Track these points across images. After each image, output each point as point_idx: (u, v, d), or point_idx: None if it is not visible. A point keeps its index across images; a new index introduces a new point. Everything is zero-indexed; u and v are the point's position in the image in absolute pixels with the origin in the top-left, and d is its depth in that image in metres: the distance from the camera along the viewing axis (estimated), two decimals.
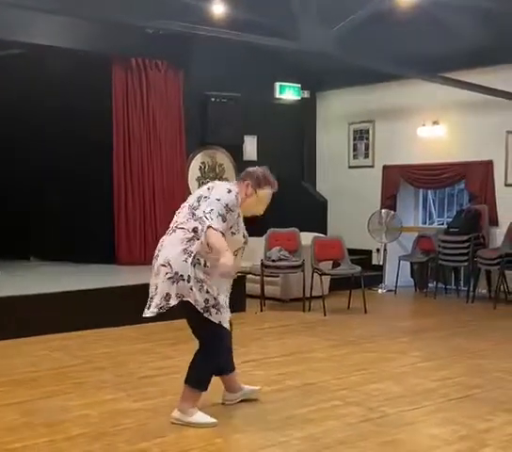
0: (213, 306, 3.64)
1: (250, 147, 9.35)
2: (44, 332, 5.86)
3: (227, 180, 9.20)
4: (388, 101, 9.26)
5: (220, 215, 3.55)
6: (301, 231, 7.98)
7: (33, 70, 8.29)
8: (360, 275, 7.48)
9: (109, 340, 5.89)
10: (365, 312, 7.29)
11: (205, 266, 3.62)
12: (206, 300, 3.61)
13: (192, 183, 8.95)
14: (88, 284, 6.65)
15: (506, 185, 8.31)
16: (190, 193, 8.79)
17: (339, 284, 8.06)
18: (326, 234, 9.01)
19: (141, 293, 6.52)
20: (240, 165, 9.26)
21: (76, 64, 7.90)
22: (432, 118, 8.83)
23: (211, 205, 3.59)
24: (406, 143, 9.16)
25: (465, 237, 8.12)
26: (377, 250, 9.26)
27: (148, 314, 3.68)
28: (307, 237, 7.83)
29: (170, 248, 3.66)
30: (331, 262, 7.94)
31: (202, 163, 9.12)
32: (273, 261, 7.63)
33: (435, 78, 7.79)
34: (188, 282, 3.58)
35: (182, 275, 3.59)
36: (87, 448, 3.42)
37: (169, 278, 3.62)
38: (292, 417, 3.89)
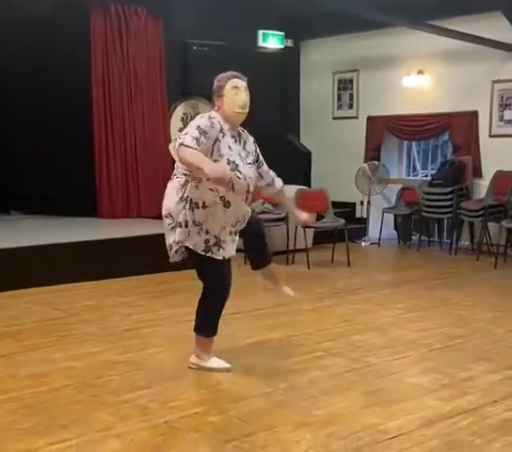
0: (214, 244, 3.68)
1: None
2: (25, 286, 5.82)
3: None
4: (373, 50, 9.09)
5: (194, 137, 3.43)
6: (285, 183, 7.89)
7: (9, 17, 7.97)
8: (343, 228, 7.48)
9: (91, 293, 5.87)
10: (349, 264, 7.31)
11: (204, 206, 3.62)
12: (206, 241, 3.67)
13: (174, 134, 8.80)
14: (69, 238, 6.58)
15: (491, 136, 8.27)
16: None
17: (322, 237, 8.05)
18: (310, 186, 8.95)
19: (122, 246, 6.56)
20: None
21: (54, 10, 7.61)
22: (417, 67, 8.70)
23: (185, 130, 3.53)
24: (390, 93, 9.04)
25: (449, 189, 8.11)
26: (361, 202, 9.23)
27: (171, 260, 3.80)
28: (290, 190, 7.76)
29: (169, 197, 3.71)
30: (315, 214, 7.92)
31: (184, 114, 8.95)
32: (256, 214, 7.57)
33: (421, 26, 7.61)
34: (186, 227, 3.64)
35: (180, 222, 3.66)
36: (72, 399, 3.43)
37: (172, 228, 3.71)
38: (276, 368, 3.92)
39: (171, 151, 3.55)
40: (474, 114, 8.31)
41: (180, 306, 5.36)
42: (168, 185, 3.74)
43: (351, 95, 9.60)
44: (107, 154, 8.22)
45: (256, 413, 3.26)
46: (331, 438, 2.97)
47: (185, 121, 8.97)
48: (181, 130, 8.87)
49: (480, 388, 3.61)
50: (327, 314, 5.22)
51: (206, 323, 3.85)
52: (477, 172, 8.32)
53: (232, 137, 3.67)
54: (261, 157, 3.91)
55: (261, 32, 9.33)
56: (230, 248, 3.76)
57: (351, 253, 7.39)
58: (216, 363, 3.85)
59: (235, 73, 3.75)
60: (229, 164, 3.59)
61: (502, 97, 8.13)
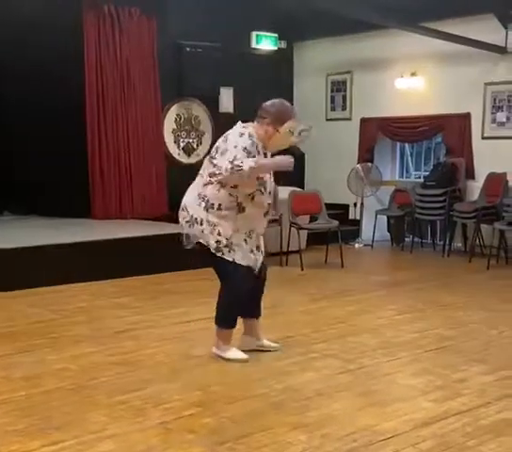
0: (225, 246, 3.81)
1: (226, 99, 9.18)
2: (19, 287, 5.80)
3: (203, 133, 9.13)
4: (366, 51, 9.10)
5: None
6: (278, 185, 7.89)
7: (5, 19, 7.94)
8: (337, 229, 7.48)
9: (86, 295, 5.85)
10: (342, 266, 7.32)
11: (219, 209, 3.77)
12: (218, 242, 3.80)
13: (167, 135, 8.80)
14: (63, 239, 6.57)
15: (483, 138, 8.29)
16: (166, 146, 8.76)
17: (316, 239, 8.06)
18: (303, 188, 8.96)
19: (115, 248, 6.55)
20: (216, 117, 9.12)
21: (47, 10, 7.57)
22: (410, 69, 8.71)
23: (232, 153, 3.68)
24: (384, 95, 9.05)
25: (441, 191, 8.13)
26: (354, 204, 9.24)
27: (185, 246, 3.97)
28: (284, 191, 7.77)
29: (189, 194, 3.89)
30: (308, 216, 7.93)
31: (178, 115, 8.95)
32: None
33: (414, 28, 7.63)
34: (201, 224, 3.80)
35: (196, 218, 3.82)
36: (66, 401, 3.42)
37: (187, 221, 3.87)
38: (271, 369, 3.92)
39: (228, 175, 3.69)
40: (467, 116, 8.34)
41: (174, 307, 5.36)
42: (193, 183, 3.90)
43: (344, 97, 9.60)
44: (101, 156, 8.20)
45: (251, 415, 3.26)
46: (326, 439, 2.98)
47: (179, 122, 8.97)
48: (174, 131, 8.98)
49: (474, 389, 3.62)
50: (321, 316, 5.22)
51: (225, 315, 3.97)
52: (470, 174, 8.35)
53: (264, 153, 3.88)
54: None
55: (254, 33, 9.33)
56: (245, 255, 3.86)
57: (344, 255, 7.40)
58: (234, 354, 3.97)
59: (296, 112, 3.97)
60: (257, 180, 3.81)
61: (494, 99, 8.15)
